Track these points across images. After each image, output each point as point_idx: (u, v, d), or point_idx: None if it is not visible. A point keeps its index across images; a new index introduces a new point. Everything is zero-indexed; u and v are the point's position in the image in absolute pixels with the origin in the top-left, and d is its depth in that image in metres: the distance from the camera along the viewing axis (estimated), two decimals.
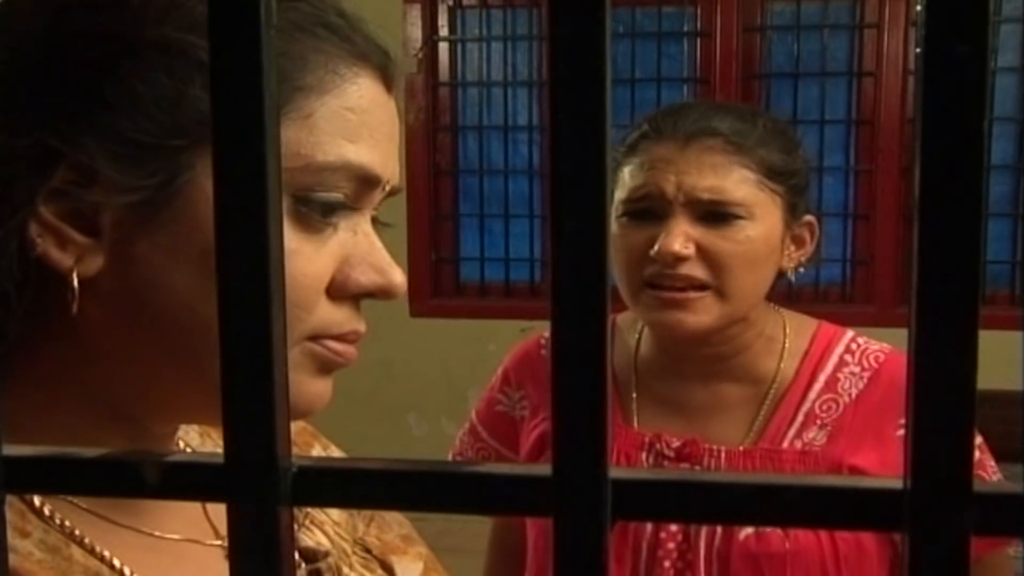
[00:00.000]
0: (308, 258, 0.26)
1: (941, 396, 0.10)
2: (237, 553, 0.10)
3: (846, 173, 1.79)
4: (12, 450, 0.11)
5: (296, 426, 0.37)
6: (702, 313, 0.54)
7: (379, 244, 0.28)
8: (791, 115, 1.75)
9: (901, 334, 0.14)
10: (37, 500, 0.26)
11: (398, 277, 0.28)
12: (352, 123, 0.26)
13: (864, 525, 0.11)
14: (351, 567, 0.33)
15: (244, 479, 0.10)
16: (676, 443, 0.57)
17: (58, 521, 0.26)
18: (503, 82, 1.86)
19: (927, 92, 0.09)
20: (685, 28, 1.82)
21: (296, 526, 0.33)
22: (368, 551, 0.35)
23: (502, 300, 1.84)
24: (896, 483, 0.10)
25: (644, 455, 0.58)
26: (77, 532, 0.26)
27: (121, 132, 0.24)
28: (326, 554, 0.32)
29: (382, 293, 0.28)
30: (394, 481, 0.11)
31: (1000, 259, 1.74)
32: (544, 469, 0.10)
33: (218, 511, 0.30)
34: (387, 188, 0.28)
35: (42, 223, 0.24)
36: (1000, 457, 0.60)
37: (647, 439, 0.58)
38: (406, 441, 1.82)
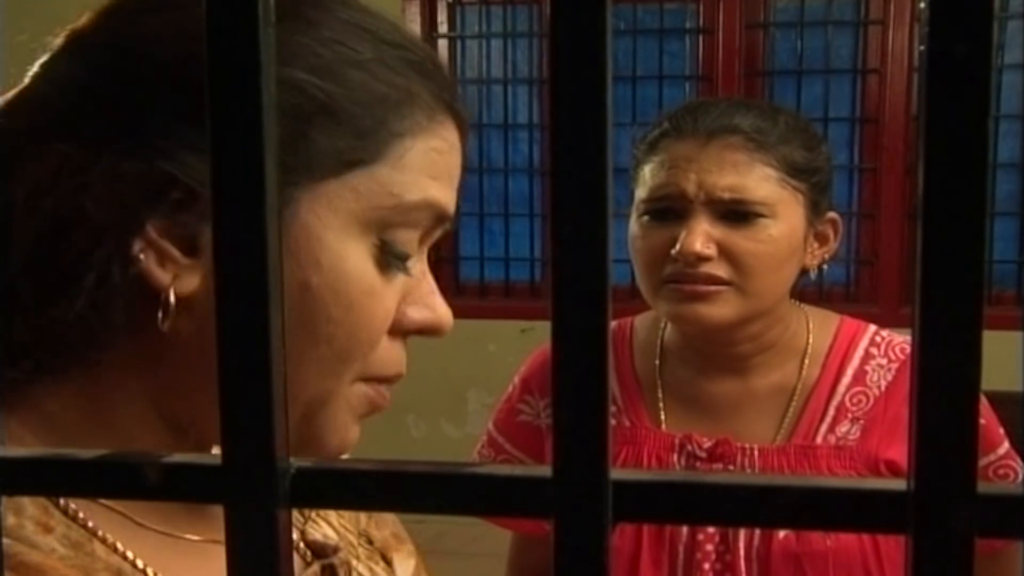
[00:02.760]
0: (382, 298, 0.26)
1: (945, 397, 0.10)
2: (235, 555, 0.10)
3: (850, 171, 1.79)
4: (11, 451, 0.11)
5: None
6: (722, 306, 0.54)
7: (432, 281, 0.29)
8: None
9: (906, 335, 0.13)
10: (48, 496, 0.26)
11: (449, 314, 0.29)
12: (436, 163, 0.27)
13: (867, 526, 0.10)
14: (357, 558, 0.33)
15: (242, 480, 0.10)
16: (708, 443, 0.57)
17: (81, 518, 0.26)
18: (503, 79, 1.86)
19: (930, 90, 0.09)
20: (687, 25, 1.81)
21: (303, 519, 0.33)
22: (371, 543, 0.35)
23: (502, 300, 1.84)
24: (899, 484, 0.10)
25: (675, 456, 0.57)
26: (100, 532, 0.26)
27: None
28: (336, 548, 0.32)
29: (431, 330, 0.28)
30: (393, 482, 0.11)
31: (1005, 258, 1.73)
32: (544, 470, 0.10)
33: None
34: (447, 224, 0.29)
35: (146, 240, 0.25)
36: None
37: (677, 440, 0.57)
38: (405, 442, 1.82)
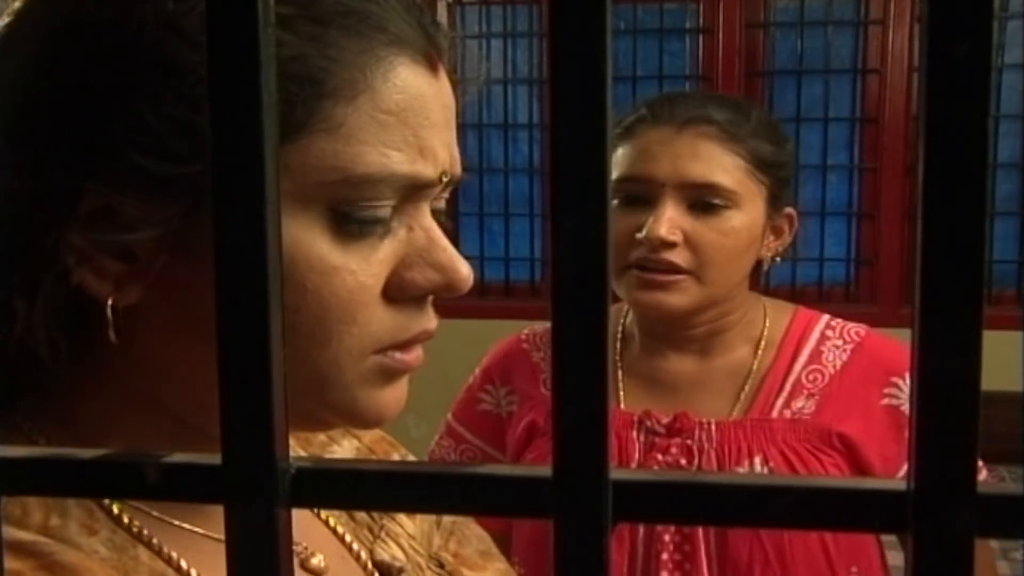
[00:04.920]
0: (353, 272, 0.24)
1: (945, 397, 0.10)
2: (235, 554, 0.10)
3: (850, 171, 1.79)
4: (11, 451, 0.11)
5: (374, 435, 0.36)
6: (681, 295, 0.56)
7: (440, 238, 0.26)
8: (794, 113, 1.74)
9: (905, 334, 0.13)
10: (107, 499, 0.25)
11: (463, 271, 0.26)
12: (392, 127, 0.24)
13: (867, 527, 0.10)
14: None
15: (242, 480, 0.10)
16: (666, 419, 0.58)
17: (126, 521, 0.25)
18: (503, 80, 1.86)
19: (930, 90, 0.09)
20: (687, 24, 1.81)
21: (372, 538, 0.32)
22: (441, 566, 0.34)
23: (502, 300, 1.84)
24: (899, 484, 0.10)
25: (635, 433, 0.58)
26: (145, 532, 0.26)
27: (135, 165, 0.23)
28: (400, 569, 0.31)
29: (444, 290, 0.26)
30: (393, 482, 0.11)
31: (1005, 259, 1.73)
32: (544, 470, 0.10)
33: (296, 515, 0.29)
34: (444, 180, 0.26)
35: (77, 253, 0.24)
36: (1001, 459, 0.60)
37: (636, 417, 0.59)
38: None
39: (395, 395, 0.27)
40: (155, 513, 0.26)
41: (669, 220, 0.55)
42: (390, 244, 0.25)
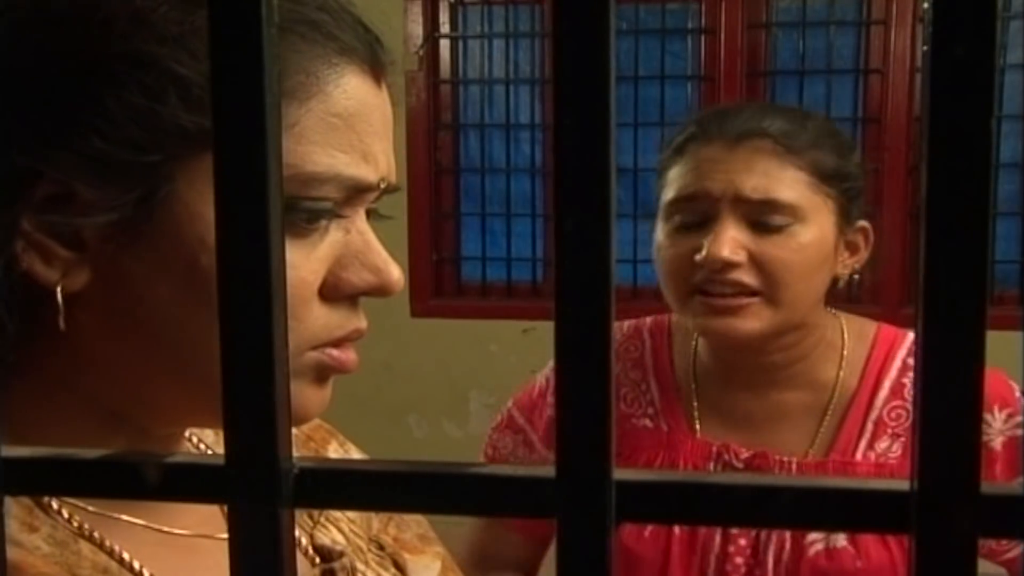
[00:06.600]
0: (294, 266, 0.25)
1: (948, 397, 0.10)
2: (238, 554, 0.10)
3: None
4: (12, 451, 0.11)
5: (313, 423, 0.36)
6: (753, 319, 0.52)
7: (374, 241, 0.27)
8: None
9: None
10: (46, 496, 0.26)
11: (394, 274, 0.27)
12: (340, 130, 0.25)
13: (870, 527, 0.10)
14: (367, 564, 0.33)
15: (245, 480, 0.10)
16: (745, 454, 0.56)
17: (66, 516, 0.26)
18: (505, 79, 1.86)
19: (934, 90, 0.09)
20: (689, 25, 1.81)
21: (312, 523, 0.32)
22: (382, 548, 0.34)
23: (504, 300, 1.84)
24: (902, 485, 0.10)
25: (712, 465, 0.56)
26: (86, 527, 0.26)
27: (95, 150, 0.24)
28: (341, 553, 0.31)
29: (377, 292, 0.27)
30: (396, 483, 0.11)
31: (1008, 259, 1.72)
32: (547, 470, 0.10)
33: None
34: (383, 187, 0.27)
35: (26, 239, 0.24)
36: None
37: (714, 449, 0.56)
38: (407, 443, 1.82)
39: (322, 395, 0.27)
40: (91, 508, 0.26)
41: (731, 239, 0.51)
42: (329, 244, 0.26)
